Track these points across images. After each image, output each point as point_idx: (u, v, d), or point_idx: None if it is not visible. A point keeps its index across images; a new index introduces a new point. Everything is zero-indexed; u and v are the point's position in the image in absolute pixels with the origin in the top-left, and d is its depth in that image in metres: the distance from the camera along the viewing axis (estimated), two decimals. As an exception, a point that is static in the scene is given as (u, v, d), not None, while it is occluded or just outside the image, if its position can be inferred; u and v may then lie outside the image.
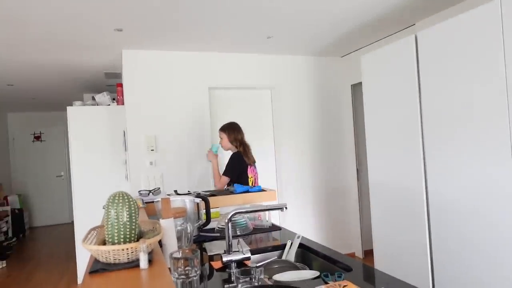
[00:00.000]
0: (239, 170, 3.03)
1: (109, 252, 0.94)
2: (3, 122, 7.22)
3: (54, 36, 3.15)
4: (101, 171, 4.12)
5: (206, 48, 3.81)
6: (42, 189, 7.47)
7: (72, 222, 7.18)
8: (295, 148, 4.29)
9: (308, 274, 1.45)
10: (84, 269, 4.04)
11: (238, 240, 1.49)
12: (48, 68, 4.30)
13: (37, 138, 7.55)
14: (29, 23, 2.83)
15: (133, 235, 1.02)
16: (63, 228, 7.10)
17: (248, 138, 4.20)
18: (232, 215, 1.49)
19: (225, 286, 1.37)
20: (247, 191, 2.38)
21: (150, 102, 3.72)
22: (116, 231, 0.99)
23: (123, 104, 4.34)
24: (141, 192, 2.29)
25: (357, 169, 4.38)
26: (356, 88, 4.36)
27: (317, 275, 1.42)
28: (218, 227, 2.09)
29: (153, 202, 2.04)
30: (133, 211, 1.02)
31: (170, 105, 3.77)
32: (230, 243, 1.47)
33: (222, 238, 1.95)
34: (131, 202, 1.03)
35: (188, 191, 2.56)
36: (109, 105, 4.35)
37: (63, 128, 7.50)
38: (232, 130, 3.16)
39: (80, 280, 4.04)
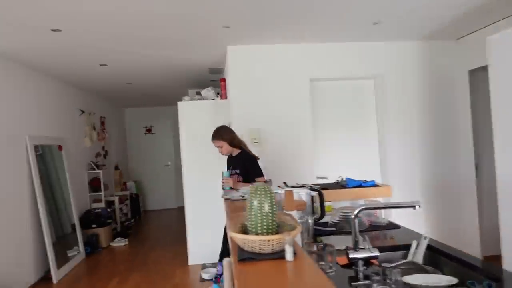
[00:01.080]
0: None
1: (255, 242, 0.97)
2: (121, 117, 8.18)
3: (168, 37, 3.42)
4: (208, 161, 4.39)
5: (307, 39, 3.77)
6: (152, 177, 8.30)
7: (178, 208, 7.83)
8: (401, 140, 4.01)
9: (443, 279, 1.34)
10: (193, 250, 4.39)
11: (364, 237, 1.44)
12: (160, 68, 4.71)
13: (149, 130, 8.39)
14: (151, 27, 3.12)
15: (274, 226, 1.04)
16: (170, 212, 7.81)
17: (349, 130, 4.10)
18: (358, 211, 1.44)
19: (352, 283, 1.33)
20: (360, 186, 2.29)
21: (253, 95, 3.82)
22: (259, 221, 1.02)
23: (226, 98, 4.55)
24: (252, 183, 2.36)
25: (476, 165, 3.93)
26: (475, 74, 3.89)
27: (455, 282, 1.29)
28: (332, 222, 2.06)
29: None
30: (274, 203, 1.04)
31: (272, 98, 3.83)
32: (356, 239, 1.42)
33: (338, 233, 1.91)
34: (272, 194, 1.05)
35: (297, 184, 2.57)
36: (213, 99, 4.60)
37: (170, 121, 8.22)
38: (227, 134, 3.14)
39: (191, 261, 4.39)
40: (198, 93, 4.84)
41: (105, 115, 6.84)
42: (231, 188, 2.91)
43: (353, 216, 1.42)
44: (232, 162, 3.16)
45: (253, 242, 0.98)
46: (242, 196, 2.05)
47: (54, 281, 4.07)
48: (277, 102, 3.83)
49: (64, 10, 2.62)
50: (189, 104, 4.51)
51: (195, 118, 4.44)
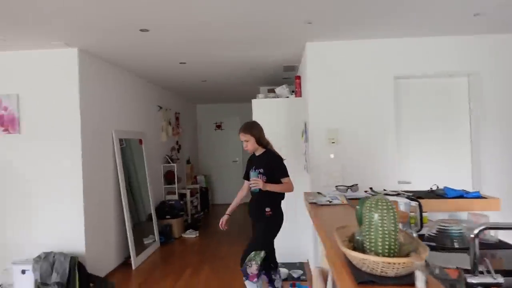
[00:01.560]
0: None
1: (378, 263, 0.86)
2: (193, 113, 8.47)
3: (248, 36, 3.40)
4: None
5: (393, 34, 3.51)
6: (221, 172, 8.48)
7: (245, 204, 7.90)
8: (500, 149, 3.57)
9: None
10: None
11: (484, 259, 1.25)
12: (234, 66, 4.74)
13: (218, 126, 8.59)
14: (234, 26, 3.11)
15: (397, 246, 0.92)
16: (237, 208, 7.91)
17: (435, 133, 3.75)
18: (479, 230, 1.25)
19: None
20: (462, 196, 2.05)
21: (332, 93, 3.66)
22: (380, 239, 0.91)
23: (300, 96, 4.45)
24: (338, 187, 2.24)
25: None
26: None
27: None
28: (429, 235, 1.86)
29: (355, 199, 1.95)
30: (397, 219, 0.93)
31: (352, 97, 3.64)
32: (475, 261, 1.24)
33: (438, 248, 1.71)
34: (394, 209, 0.93)
35: (384, 190, 2.39)
36: (287, 97, 4.52)
37: (239, 118, 8.32)
38: (257, 130, 3.01)
39: (259, 259, 4.37)
40: (270, 91, 4.79)
41: (179, 111, 7.12)
42: (260, 190, 2.83)
43: (472, 235, 1.24)
44: (255, 162, 3.02)
45: (375, 263, 0.87)
46: (330, 201, 1.93)
47: (133, 266, 4.32)
48: (357, 101, 3.63)
49: (154, 10, 2.70)
50: (264, 101, 4.48)
51: (269, 115, 4.40)
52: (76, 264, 3.46)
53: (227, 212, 3.20)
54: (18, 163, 3.67)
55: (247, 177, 3.09)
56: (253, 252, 2.78)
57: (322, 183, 3.55)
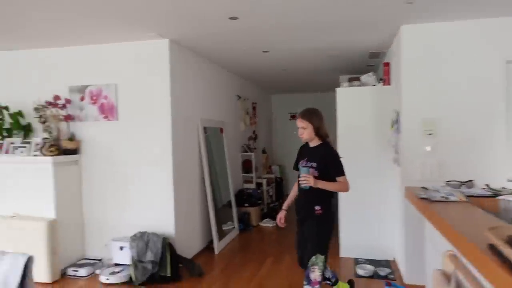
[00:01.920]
0: None
1: None
2: (268, 103, 8.48)
3: (337, 20, 3.24)
4: (365, 149, 4.13)
5: (503, 12, 3.09)
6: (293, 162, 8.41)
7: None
8: None
9: None
10: (345, 242, 4.23)
11: None
12: (315, 54, 4.60)
13: (293, 117, 8.50)
14: (325, 9, 2.98)
15: None
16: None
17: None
18: None
19: None
20: None
21: (430, 81, 3.35)
22: None
23: (389, 84, 4.17)
24: (450, 182, 2.02)
25: None
26: None
27: None
28: None
29: (476, 196, 1.74)
30: None
31: (454, 84, 3.30)
32: None
33: None
34: None
35: (503, 188, 2.12)
36: (374, 85, 4.26)
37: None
38: (318, 119, 2.67)
39: (342, 253, 4.24)
40: (352, 79, 4.56)
41: (256, 101, 7.16)
42: (311, 187, 2.53)
43: None
44: (307, 153, 2.72)
45: None
46: (446, 198, 1.74)
47: (216, 251, 4.46)
48: (459, 89, 3.29)
49: (247, -3, 2.68)
50: (349, 90, 4.28)
51: (354, 104, 4.20)
52: (167, 245, 3.66)
53: (284, 207, 2.94)
54: (117, 148, 3.96)
55: (296, 167, 2.86)
56: (314, 256, 2.56)
57: (416, 177, 3.29)
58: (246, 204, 5.70)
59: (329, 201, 2.70)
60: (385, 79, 4.20)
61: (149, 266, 3.55)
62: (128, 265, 3.66)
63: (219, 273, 3.86)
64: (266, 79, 6.54)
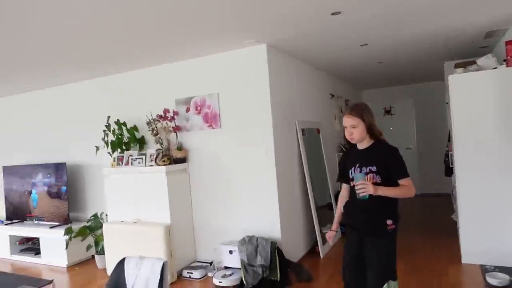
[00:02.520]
0: None
1: None
2: (359, 99, 8.11)
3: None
4: (491, 145, 3.64)
5: None
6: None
7: (422, 195, 7.16)
8: None
9: None
10: (467, 248, 3.78)
11: None
12: (417, 41, 4.21)
13: (387, 112, 8.00)
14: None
15: None
16: (412, 199, 7.21)
17: None
18: None
19: None
20: None
21: None
22: None
23: (513, 65, 3.62)
24: None
25: None
26: None
27: None
28: None
29: None
30: None
31: None
32: None
33: None
34: None
35: None
36: (495, 68, 3.74)
37: (412, 100, 7.59)
38: (370, 115, 2.23)
39: (464, 259, 3.81)
40: (461, 65, 4.07)
41: (348, 98, 6.89)
42: (370, 196, 2.06)
43: None
44: (358, 157, 2.26)
45: None
46: None
47: (321, 255, 4.34)
48: None
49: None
50: (465, 77, 3.81)
51: (471, 93, 3.73)
52: (275, 249, 3.66)
53: (333, 228, 2.55)
54: (221, 154, 4.10)
55: (343, 178, 2.41)
56: (385, 284, 2.16)
57: None
58: (347, 206, 5.47)
59: (398, 211, 2.26)
60: (508, 60, 3.66)
61: (260, 270, 3.58)
62: (238, 268, 3.74)
63: (328, 279, 3.73)
64: (360, 75, 6.23)
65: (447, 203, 6.16)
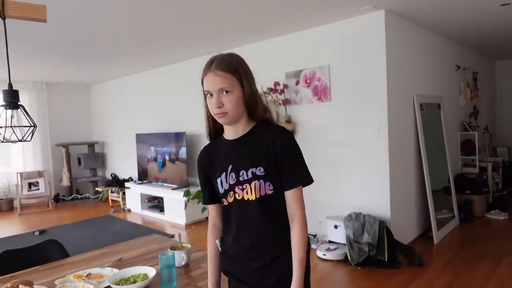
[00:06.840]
0: None
1: None
2: (491, 72, 7.02)
3: None
4: None
5: None
6: (529, 143, 6.75)
7: None
8: None
9: None
10: None
11: None
12: None
13: (528, 86, 6.79)
14: None
15: None
16: None
17: None
18: None
19: None
20: None
21: None
22: None
23: None
24: None
25: None
26: None
27: None
28: None
29: None
30: None
31: None
32: None
33: None
34: None
35: None
36: None
37: None
38: (249, 73, 1.32)
39: None
40: None
41: (477, 70, 6.02)
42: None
43: None
44: (232, 155, 1.31)
45: None
46: None
47: (435, 241, 4.01)
48: None
49: None
50: None
51: None
52: (384, 228, 3.50)
53: None
54: (330, 128, 4.02)
55: (210, 197, 1.38)
56: None
57: None
58: (468, 191, 4.91)
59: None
60: None
61: (366, 248, 3.48)
62: (343, 244, 3.70)
63: (442, 267, 3.44)
64: (495, 41, 5.36)
65: None
